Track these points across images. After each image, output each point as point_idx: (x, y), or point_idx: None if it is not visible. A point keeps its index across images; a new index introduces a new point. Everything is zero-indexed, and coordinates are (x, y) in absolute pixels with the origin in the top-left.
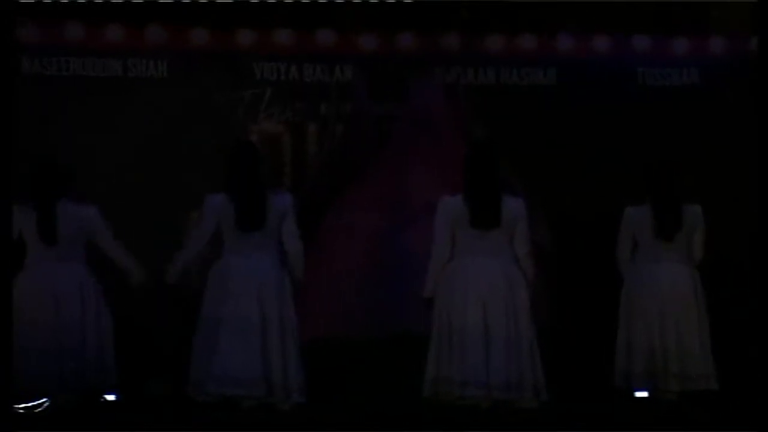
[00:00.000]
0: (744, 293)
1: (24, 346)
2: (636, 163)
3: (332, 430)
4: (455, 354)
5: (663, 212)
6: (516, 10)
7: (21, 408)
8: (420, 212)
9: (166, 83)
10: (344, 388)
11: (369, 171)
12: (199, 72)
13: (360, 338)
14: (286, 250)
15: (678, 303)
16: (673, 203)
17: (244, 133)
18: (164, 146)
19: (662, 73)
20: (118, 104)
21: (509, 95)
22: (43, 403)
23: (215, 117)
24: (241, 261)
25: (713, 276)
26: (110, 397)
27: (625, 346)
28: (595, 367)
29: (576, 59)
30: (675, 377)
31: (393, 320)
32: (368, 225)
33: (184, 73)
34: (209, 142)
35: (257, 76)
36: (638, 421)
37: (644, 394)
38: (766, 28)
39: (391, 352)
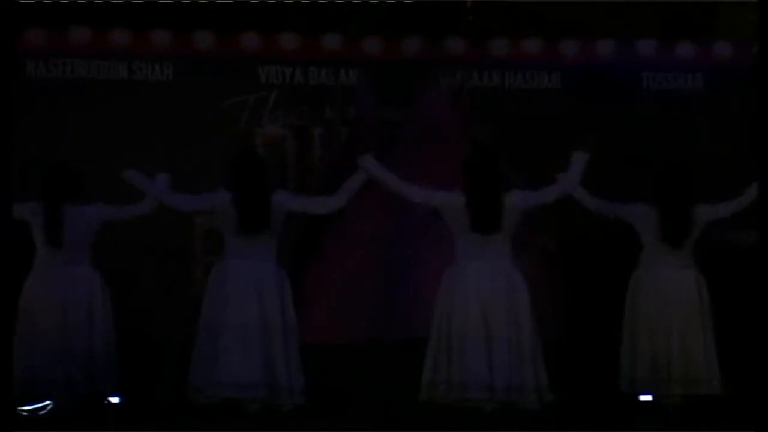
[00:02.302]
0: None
1: (30, 348)
2: (641, 168)
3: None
4: (455, 357)
5: (671, 218)
6: (521, 14)
7: (24, 410)
8: (424, 217)
9: (171, 86)
10: (345, 392)
11: None
12: (204, 75)
13: (363, 343)
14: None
15: (682, 307)
16: (681, 209)
17: (249, 137)
18: (169, 150)
19: (667, 77)
20: (123, 107)
21: (514, 99)
22: (47, 405)
23: (220, 120)
24: (242, 264)
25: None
26: (114, 400)
27: (629, 351)
28: (600, 371)
29: (581, 63)
30: (679, 381)
31: (396, 325)
32: (372, 230)
33: (189, 76)
34: (214, 146)
35: (262, 79)
36: (642, 425)
37: (648, 398)
38: (765, 27)
39: (394, 357)
